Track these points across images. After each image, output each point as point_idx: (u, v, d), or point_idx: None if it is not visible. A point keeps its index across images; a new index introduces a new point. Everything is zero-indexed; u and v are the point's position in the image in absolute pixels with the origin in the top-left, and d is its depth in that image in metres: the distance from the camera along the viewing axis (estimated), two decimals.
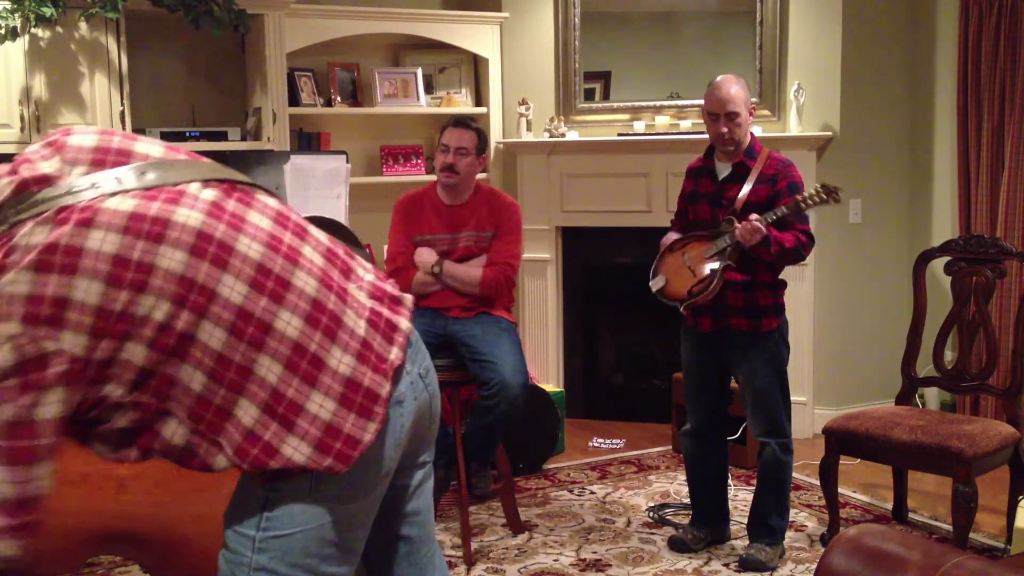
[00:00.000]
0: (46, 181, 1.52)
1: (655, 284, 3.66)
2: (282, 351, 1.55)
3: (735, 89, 3.49)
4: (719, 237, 3.47)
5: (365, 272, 1.75)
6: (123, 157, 1.59)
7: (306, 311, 1.58)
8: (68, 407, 1.45)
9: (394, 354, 1.66)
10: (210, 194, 1.59)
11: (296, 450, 1.55)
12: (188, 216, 1.53)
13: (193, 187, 1.58)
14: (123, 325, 1.46)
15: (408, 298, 1.78)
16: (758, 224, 3.36)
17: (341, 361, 1.59)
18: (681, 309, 3.58)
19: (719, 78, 3.55)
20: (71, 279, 1.43)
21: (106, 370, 1.48)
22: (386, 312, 1.70)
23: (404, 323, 1.72)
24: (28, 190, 1.51)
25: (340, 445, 1.57)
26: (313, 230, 1.71)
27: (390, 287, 1.77)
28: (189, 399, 1.53)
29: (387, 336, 1.67)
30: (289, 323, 1.56)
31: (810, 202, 3.39)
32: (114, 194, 1.52)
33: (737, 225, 3.40)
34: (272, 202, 1.68)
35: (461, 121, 3.94)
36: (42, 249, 1.44)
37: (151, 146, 1.64)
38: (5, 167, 1.55)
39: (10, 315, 1.41)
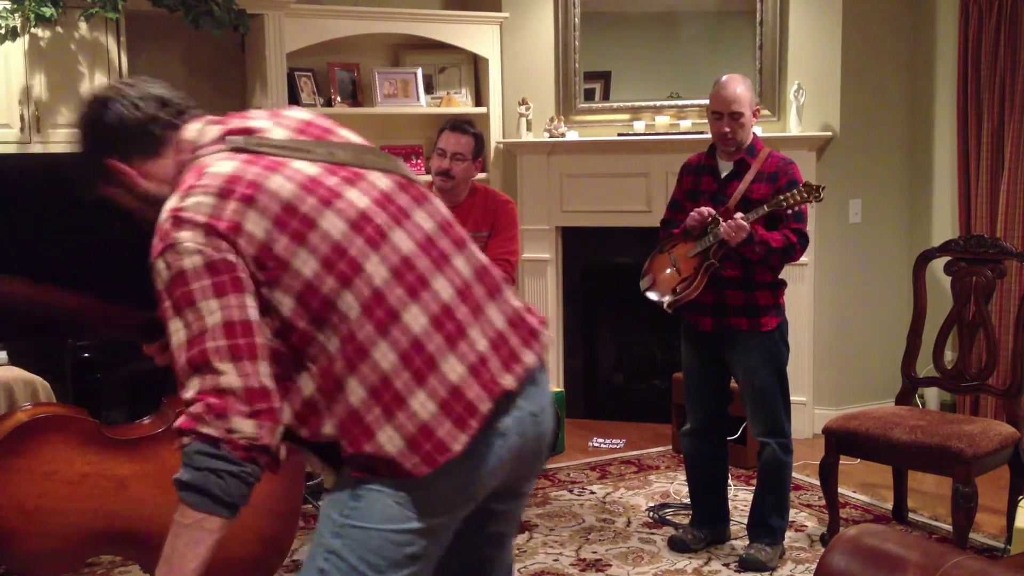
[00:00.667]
0: (250, 132, 1.71)
1: (644, 283, 3.68)
2: (402, 342, 1.60)
3: (740, 89, 3.49)
4: (704, 236, 3.48)
5: (514, 299, 1.79)
6: (324, 133, 1.77)
7: (435, 313, 1.64)
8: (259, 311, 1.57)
9: (507, 380, 1.67)
10: (386, 183, 1.72)
11: (390, 440, 1.58)
12: (359, 197, 1.67)
13: (374, 174, 1.72)
14: (278, 270, 1.58)
15: (547, 337, 1.80)
16: (742, 222, 3.36)
17: (454, 368, 1.63)
18: (666, 307, 3.59)
19: (725, 77, 3.55)
20: (246, 209, 1.58)
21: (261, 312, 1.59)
22: (514, 340, 1.73)
23: (529, 357, 1.73)
24: (232, 136, 1.70)
25: (429, 447, 1.59)
26: (474, 248, 1.78)
27: (533, 320, 1.79)
28: (324, 359, 1.60)
29: (506, 363, 1.69)
30: (416, 319, 1.62)
31: (791, 200, 3.39)
32: (303, 159, 1.68)
33: (722, 224, 3.40)
34: (444, 211, 1.78)
35: (458, 125, 3.88)
36: (229, 178, 1.61)
37: (351, 134, 1.82)
38: (217, 118, 1.77)
39: (196, 226, 1.56)
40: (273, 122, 1.75)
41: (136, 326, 1.78)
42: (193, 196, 1.59)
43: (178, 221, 1.57)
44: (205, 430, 1.52)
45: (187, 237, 1.55)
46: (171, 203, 1.61)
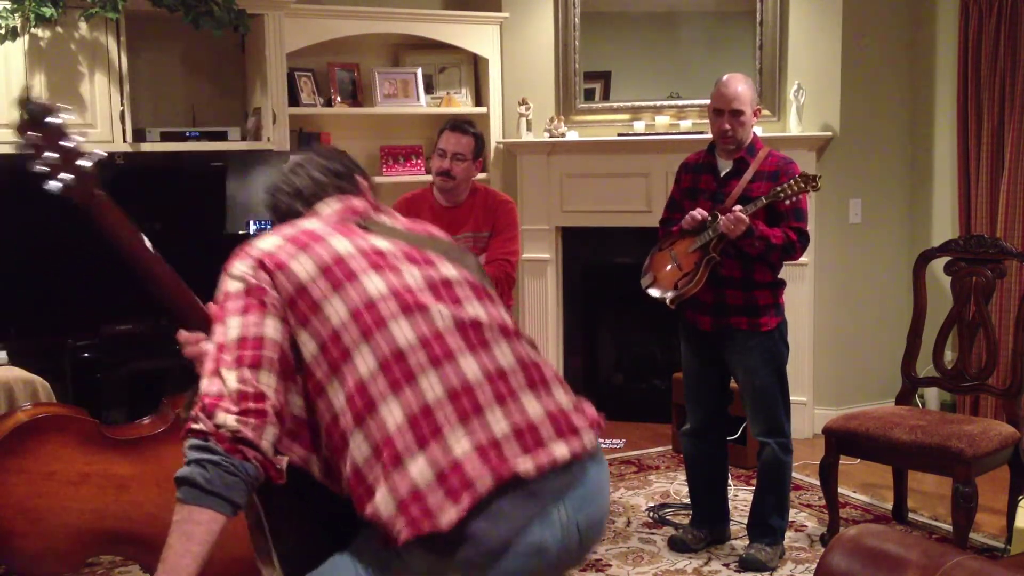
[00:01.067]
0: (368, 216, 1.89)
1: (645, 281, 3.68)
2: (412, 405, 1.63)
3: (742, 87, 3.50)
4: (704, 231, 3.48)
5: (562, 395, 1.77)
6: (420, 228, 1.93)
7: (452, 387, 1.66)
8: (283, 337, 1.68)
9: (523, 464, 1.63)
10: (452, 273, 1.82)
11: (384, 502, 1.58)
12: (414, 274, 1.77)
13: (446, 265, 1.83)
14: (310, 311, 1.69)
15: (590, 438, 1.75)
16: (741, 215, 3.36)
17: (459, 442, 1.62)
18: (668, 303, 3.59)
19: (727, 76, 3.55)
20: (299, 252, 1.73)
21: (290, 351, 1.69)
22: (546, 433, 1.69)
23: (560, 450, 1.68)
24: (354, 217, 1.88)
25: (416, 512, 1.57)
26: (527, 345, 1.81)
27: (577, 418, 1.75)
28: (329, 416, 1.67)
29: (527, 447, 1.66)
30: (432, 387, 1.65)
31: (788, 190, 3.39)
32: (384, 237, 1.82)
33: (721, 217, 3.40)
34: (504, 314, 1.83)
35: (459, 126, 3.87)
36: (305, 231, 1.79)
37: (444, 235, 1.98)
38: (347, 198, 1.93)
39: (250, 258, 1.74)
40: (389, 217, 1.93)
41: (192, 313, 1.89)
42: (269, 237, 1.78)
43: (242, 253, 1.76)
44: (197, 427, 1.60)
45: (238, 266, 1.74)
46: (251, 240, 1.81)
